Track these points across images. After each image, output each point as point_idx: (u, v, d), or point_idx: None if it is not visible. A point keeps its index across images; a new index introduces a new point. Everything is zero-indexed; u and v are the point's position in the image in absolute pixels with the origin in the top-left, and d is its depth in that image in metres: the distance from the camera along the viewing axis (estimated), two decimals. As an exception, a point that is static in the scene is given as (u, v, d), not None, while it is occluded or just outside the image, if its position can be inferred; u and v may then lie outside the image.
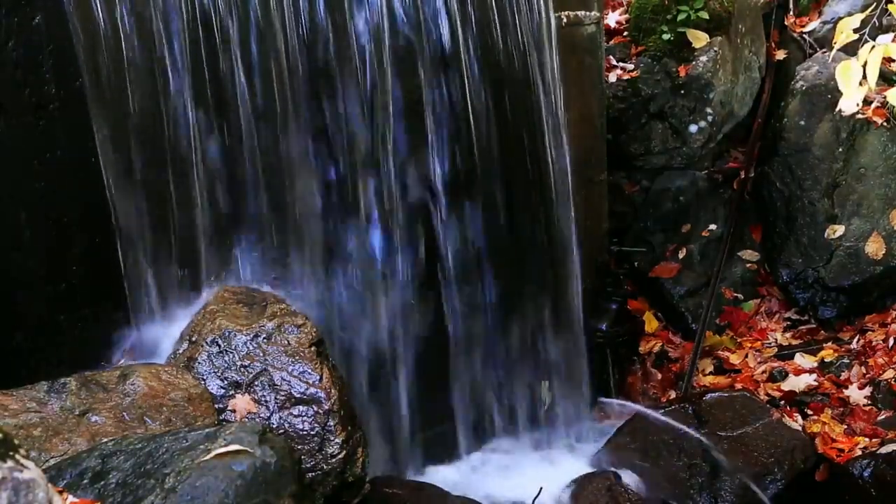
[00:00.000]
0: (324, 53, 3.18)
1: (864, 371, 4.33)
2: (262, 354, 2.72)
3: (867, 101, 4.58)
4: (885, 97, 3.30)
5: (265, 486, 1.93)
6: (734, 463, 3.64)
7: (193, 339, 2.78)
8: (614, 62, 4.87)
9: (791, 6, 5.33)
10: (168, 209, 2.96)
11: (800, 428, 3.97)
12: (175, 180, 2.95)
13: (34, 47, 2.63)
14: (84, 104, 2.74)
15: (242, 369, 2.69)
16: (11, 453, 1.32)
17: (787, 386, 4.32)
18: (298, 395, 2.66)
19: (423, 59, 3.37)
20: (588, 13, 4.15)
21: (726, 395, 4.05)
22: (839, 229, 4.72)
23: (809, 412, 4.19)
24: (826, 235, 4.73)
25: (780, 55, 5.26)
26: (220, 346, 2.73)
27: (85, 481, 2.05)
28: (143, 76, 2.85)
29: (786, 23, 5.32)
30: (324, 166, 3.28)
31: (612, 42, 4.93)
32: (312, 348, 2.74)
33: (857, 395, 4.21)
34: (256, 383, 2.67)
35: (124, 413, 2.46)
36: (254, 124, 3.06)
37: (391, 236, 3.44)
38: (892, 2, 2.91)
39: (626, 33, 4.97)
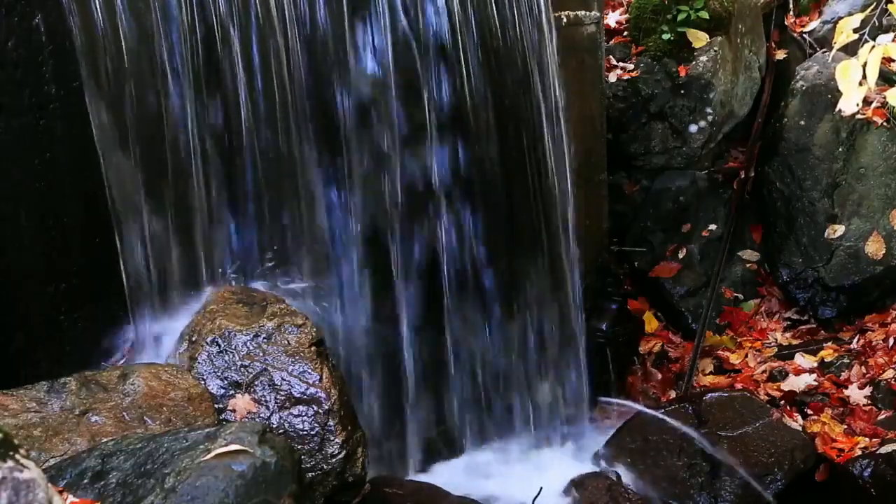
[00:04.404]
0: (323, 55, 3.18)
1: (864, 371, 4.33)
2: (262, 354, 2.72)
3: (867, 101, 4.59)
4: (885, 97, 3.30)
5: (265, 485, 1.93)
6: (734, 463, 3.64)
7: (193, 338, 2.78)
8: (614, 62, 4.87)
9: (791, 6, 5.34)
10: (168, 209, 2.96)
11: (800, 428, 3.97)
12: (175, 180, 2.95)
13: (34, 47, 2.63)
14: (84, 104, 2.74)
15: (242, 369, 2.69)
16: (11, 453, 1.32)
17: (787, 386, 4.32)
18: (298, 395, 2.66)
19: (422, 59, 3.37)
20: (588, 13, 4.15)
21: (726, 394, 4.05)
22: (839, 229, 4.72)
23: (809, 412, 4.19)
24: (826, 235, 4.73)
25: (780, 55, 5.26)
26: (220, 345, 2.73)
27: (85, 481, 2.05)
28: (143, 76, 2.85)
29: (786, 23, 5.33)
30: (324, 166, 3.28)
31: (612, 42, 4.93)
32: (312, 348, 2.74)
33: (857, 394, 4.21)
34: (256, 383, 2.67)
35: (124, 413, 2.46)
36: (254, 124, 3.06)
37: (391, 235, 3.44)
38: (892, 2, 2.90)
39: (626, 33, 4.97)
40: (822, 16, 5.23)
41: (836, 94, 3.39)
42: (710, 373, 4.57)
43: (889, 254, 4.62)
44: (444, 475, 3.62)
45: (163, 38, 2.85)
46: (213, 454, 1.96)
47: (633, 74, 4.83)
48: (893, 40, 2.72)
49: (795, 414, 4.16)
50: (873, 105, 4.66)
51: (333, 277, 3.36)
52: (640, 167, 4.94)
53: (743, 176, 5.02)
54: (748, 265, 4.95)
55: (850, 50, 2.99)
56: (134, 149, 2.86)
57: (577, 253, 3.91)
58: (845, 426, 4.04)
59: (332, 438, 2.62)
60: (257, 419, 2.60)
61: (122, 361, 2.83)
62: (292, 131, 3.15)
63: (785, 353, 4.57)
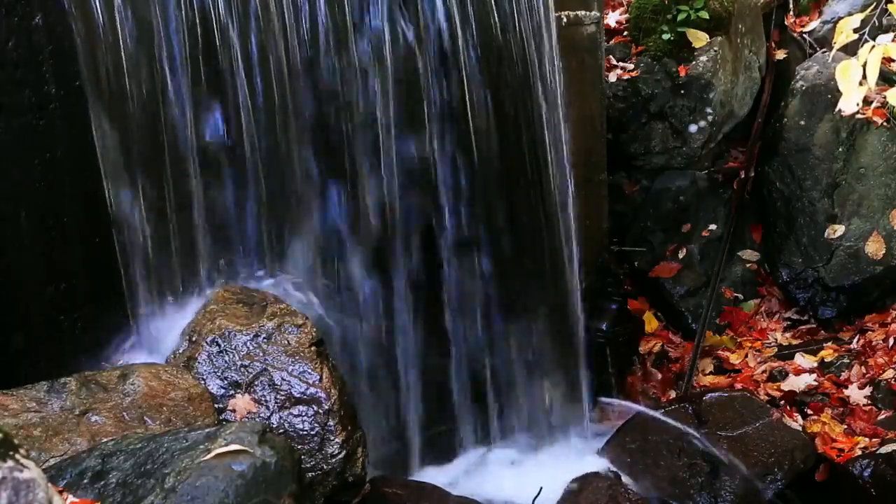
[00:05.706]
0: (325, 56, 3.18)
1: (864, 371, 4.33)
2: (262, 354, 2.72)
3: (867, 101, 4.58)
4: (885, 97, 3.30)
5: (265, 485, 1.93)
6: (734, 463, 3.63)
7: (193, 338, 2.78)
8: (614, 62, 4.87)
9: (791, 6, 5.34)
10: (167, 209, 2.96)
11: (800, 428, 3.97)
12: (174, 180, 2.95)
13: (34, 47, 2.63)
14: (84, 104, 2.75)
15: (242, 369, 2.69)
16: (11, 453, 1.32)
17: (787, 386, 4.32)
18: (298, 395, 2.66)
19: (423, 60, 3.37)
20: (588, 13, 4.15)
21: (726, 395, 4.05)
22: (839, 229, 4.72)
23: (809, 412, 4.19)
24: (826, 235, 4.73)
25: (780, 55, 5.26)
26: (220, 345, 2.73)
27: (85, 481, 2.05)
28: (143, 76, 2.85)
29: (786, 23, 5.33)
30: (324, 168, 3.28)
31: (612, 42, 4.93)
32: (312, 348, 2.74)
33: (857, 394, 4.20)
34: (256, 383, 2.67)
35: (124, 413, 2.46)
36: (253, 125, 3.06)
37: (391, 235, 3.44)
38: (892, 2, 2.90)
39: (626, 33, 4.97)
40: (822, 16, 5.23)
41: (836, 94, 3.39)
42: (710, 373, 4.57)
43: (889, 254, 4.62)
44: (445, 475, 3.62)
45: (163, 38, 2.85)
46: (213, 454, 1.97)
47: (633, 74, 4.83)
48: (893, 40, 2.72)
49: (795, 414, 4.15)
50: (873, 105, 4.66)
51: (332, 277, 3.36)
52: (640, 167, 4.93)
53: (743, 176, 5.02)
54: (748, 265, 4.95)
55: (850, 50, 2.99)
56: (134, 148, 2.86)
57: (577, 253, 3.91)
58: (845, 426, 4.04)
59: (332, 438, 2.62)
60: (257, 419, 2.60)
61: (122, 361, 2.83)
62: (292, 129, 3.15)
63: (785, 353, 4.57)
